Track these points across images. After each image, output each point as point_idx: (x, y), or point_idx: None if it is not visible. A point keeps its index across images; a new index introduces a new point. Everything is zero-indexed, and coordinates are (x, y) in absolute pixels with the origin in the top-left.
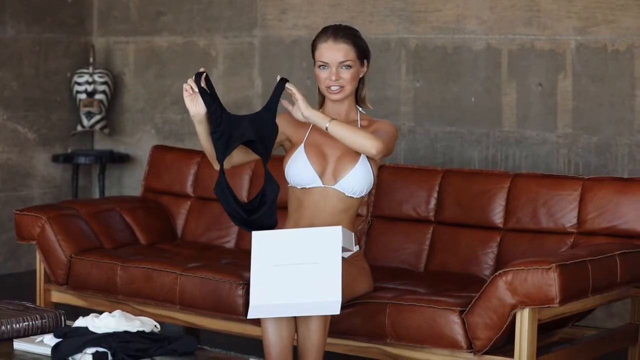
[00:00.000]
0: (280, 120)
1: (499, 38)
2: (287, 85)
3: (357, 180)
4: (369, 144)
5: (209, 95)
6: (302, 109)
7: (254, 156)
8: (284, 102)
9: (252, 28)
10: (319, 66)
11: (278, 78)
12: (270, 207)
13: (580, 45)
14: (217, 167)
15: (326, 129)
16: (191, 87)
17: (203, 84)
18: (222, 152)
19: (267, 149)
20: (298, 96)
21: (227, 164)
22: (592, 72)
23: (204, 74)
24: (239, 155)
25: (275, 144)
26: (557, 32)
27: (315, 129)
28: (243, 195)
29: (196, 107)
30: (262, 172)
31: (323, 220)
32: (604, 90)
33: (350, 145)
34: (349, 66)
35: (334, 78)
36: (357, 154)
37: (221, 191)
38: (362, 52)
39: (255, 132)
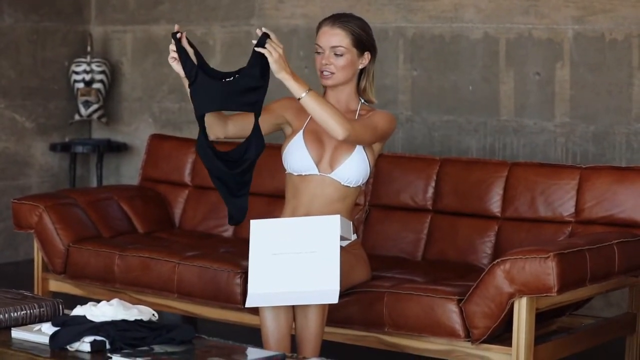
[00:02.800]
0: (282, 104)
1: (497, 27)
2: (268, 40)
3: (352, 169)
4: (337, 127)
5: (184, 54)
6: (274, 70)
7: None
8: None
9: (249, 17)
10: (315, 50)
11: (259, 33)
12: (249, 165)
13: (578, 34)
14: (212, 135)
15: (299, 99)
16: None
17: (185, 44)
18: (199, 108)
19: (256, 103)
20: (274, 54)
21: (221, 133)
22: (590, 61)
23: (179, 33)
24: (235, 128)
25: (275, 125)
26: (555, 21)
27: None
28: None
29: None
30: (261, 161)
31: (320, 209)
32: (602, 79)
33: (320, 123)
34: (342, 53)
35: (324, 62)
36: (353, 144)
37: (202, 149)
38: (360, 42)
39: (233, 101)
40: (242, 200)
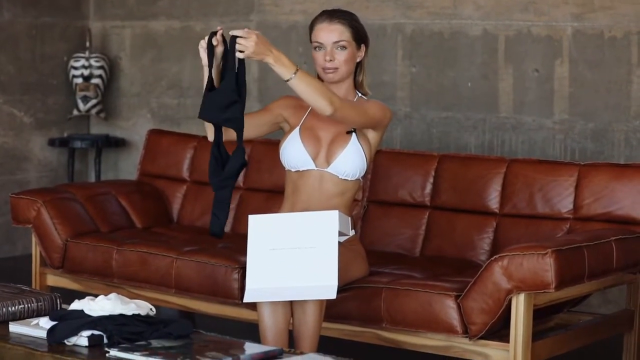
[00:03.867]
0: (280, 103)
1: (496, 24)
2: (238, 40)
3: (348, 162)
4: (323, 102)
5: (211, 57)
6: (257, 60)
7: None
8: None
9: (248, 13)
10: (315, 47)
11: (228, 39)
12: (225, 179)
13: (577, 31)
14: (224, 137)
15: (287, 81)
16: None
17: (215, 41)
18: (199, 113)
19: (235, 120)
20: (247, 49)
21: (225, 136)
22: (589, 58)
23: (219, 31)
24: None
25: (274, 125)
26: (554, 18)
27: (313, 112)
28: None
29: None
30: (260, 157)
31: (319, 204)
32: (601, 76)
33: (307, 101)
34: (344, 47)
35: (328, 58)
36: (348, 137)
37: (211, 155)
38: (358, 35)
39: (215, 115)
40: (222, 216)
